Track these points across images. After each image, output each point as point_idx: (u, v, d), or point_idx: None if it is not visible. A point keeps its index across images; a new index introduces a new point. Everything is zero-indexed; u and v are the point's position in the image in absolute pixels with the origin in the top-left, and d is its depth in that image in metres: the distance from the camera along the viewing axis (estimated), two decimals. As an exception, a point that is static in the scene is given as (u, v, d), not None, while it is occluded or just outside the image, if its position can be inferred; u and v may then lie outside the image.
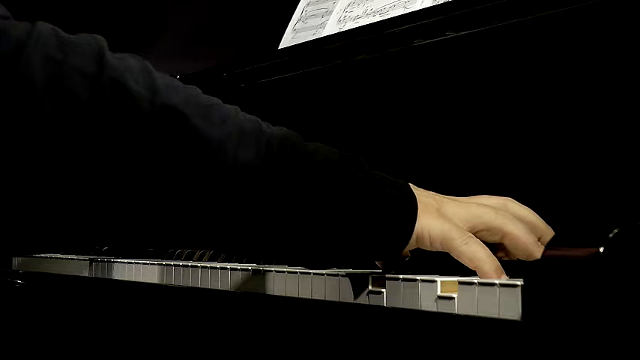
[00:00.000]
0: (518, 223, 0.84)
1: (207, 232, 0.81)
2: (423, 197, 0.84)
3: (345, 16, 1.30)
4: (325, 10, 1.36)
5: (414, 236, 0.83)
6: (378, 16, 1.23)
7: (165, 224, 0.81)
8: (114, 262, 1.35)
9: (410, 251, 0.87)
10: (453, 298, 0.75)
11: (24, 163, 0.75)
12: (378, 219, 0.82)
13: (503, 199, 0.88)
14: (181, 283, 1.16)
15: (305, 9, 1.40)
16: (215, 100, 0.82)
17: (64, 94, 0.74)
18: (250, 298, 1.02)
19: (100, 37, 0.79)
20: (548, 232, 0.85)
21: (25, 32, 0.75)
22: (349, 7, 1.30)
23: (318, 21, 1.35)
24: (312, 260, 0.86)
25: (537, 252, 0.81)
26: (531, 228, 0.85)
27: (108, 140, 0.76)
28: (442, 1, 1.13)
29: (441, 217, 0.83)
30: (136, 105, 0.76)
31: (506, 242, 0.84)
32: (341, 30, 1.28)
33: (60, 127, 0.74)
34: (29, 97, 0.73)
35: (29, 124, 0.74)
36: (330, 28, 1.31)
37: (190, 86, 0.82)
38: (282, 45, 1.39)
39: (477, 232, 0.84)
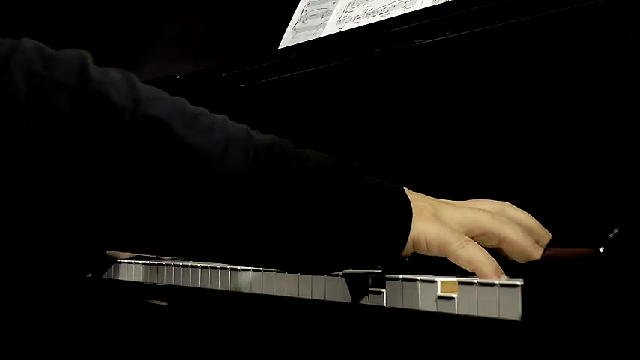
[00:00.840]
0: (516, 226, 0.84)
1: (196, 240, 0.81)
2: (419, 202, 0.84)
3: (345, 16, 1.30)
4: (325, 10, 1.36)
5: (410, 241, 0.82)
6: (378, 16, 1.23)
7: (153, 233, 0.80)
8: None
9: (409, 252, 0.87)
10: (453, 298, 0.75)
11: (5, 174, 0.75)
12: (372, 225, 0.81)
13: (500, 203, 0.87)
14: (177, 283, 1.16)
15: (305, 9, 1.40)
16: (202, 109, 0.82)
17: (47, 107, 0.75)
18: (250, 298, 1.02)
19: (84, 51, 0.80)
20: (546, 236, 0.84)
21: (10, 48, 0.76)
22: (349, 7, 1.30)
23: (318, 21, 1.35)
24: (305, 266, 0.85)
25: (536, 254, 0.80)
26: (529, 232, 0.84)
27: (91, 152, 0.76)
28: (442, 1, 1.13)
29: (438, 222, 0.83)
30: (118, 116, 0.77)
31: (504, 246, 0.84)
32: (341, 30, 1.28)
33: (42, 139, 0.75)
34: (11, 111, 0.74)
35: (11, 136, 0.75)
36: (330, 28, 1.31)
37: (177, 97, 0.82)
38: (282, 45, 1.39)
39: (474, 236, 0.83)
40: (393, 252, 0.83)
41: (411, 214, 0.82)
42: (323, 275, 0.89)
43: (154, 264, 1.23)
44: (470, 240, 0.82)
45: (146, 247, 0.85)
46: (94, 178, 0.77)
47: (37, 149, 0.75)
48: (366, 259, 0.84)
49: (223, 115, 0.83)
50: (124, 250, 0.87)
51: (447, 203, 0.86)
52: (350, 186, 0.82)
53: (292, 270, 0.89)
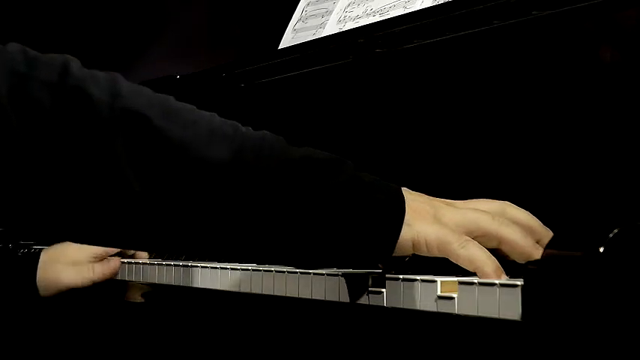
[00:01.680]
0: (516, 227, 0.83)
1: (178, 231, 0.81)
2: (418, 202, 0.83)
3: (345, 16, 1.30)
4: (325, 10, 1.36)
5: (410, 243, 0.82)
6: (378, 16, 1.23)
7: (133, 226, 0.81)
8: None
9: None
10: (453, 298, 0.75)
11: None
12: (360, 222, 0.80)
13: (500, 203, 0.87)
14: (177, 283, 1.16)
15: (305, 9, 1.40)
16: (189, 106, 0.83)
17: (28, 103, 0.77)
18: (250, 298, 1.02)
19: (69, 56, 0.82)
20: (547, 235, 0.84)
21: None
22: (349, 7, 1.30)
23: (318, 21, 1.35)
24: (287, 260, 0.85)
25: (536, 255, 0.80)
26: (530, 232, 0.84)
27: (70, 144, 0.78)
28: (442, 1, 1.13)
29: (437, 223, 0.82)
30: (96, 109, 0.78)
31: (504, 247, 0.83)
32: (341, 30, 1.28)
33: (24, 134, 0.77)
34: None
35: None
36: (330, 28, 1.31)
37: (163, 95, 0.82)
38: (282, 45, 1.39)
39: (474, 237, 0.83)
40: (384, 251, 0.82)
41: (404, 214, 0.81)
42: (327, 270, 0.89)
43: (153, 264, 1.23)
44: (470, 240, 0.82)
45: (127, 241, 0.85)
46: (75, 170, 0.78)
47: (20, 143, 0.77)
48: (354, 258, 0.83)
49: (212, 112, 0.84)
50: (103, 245, 0.87)
51: (447, 203, 0.86)
52: (339, 182, 0.81)
53: (272, 263, 0.88)
